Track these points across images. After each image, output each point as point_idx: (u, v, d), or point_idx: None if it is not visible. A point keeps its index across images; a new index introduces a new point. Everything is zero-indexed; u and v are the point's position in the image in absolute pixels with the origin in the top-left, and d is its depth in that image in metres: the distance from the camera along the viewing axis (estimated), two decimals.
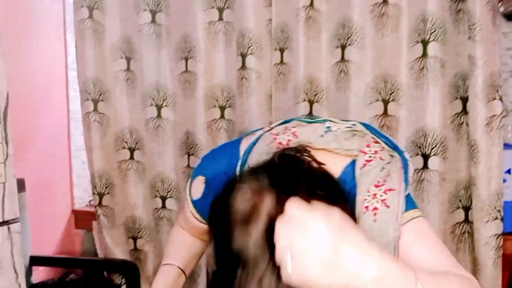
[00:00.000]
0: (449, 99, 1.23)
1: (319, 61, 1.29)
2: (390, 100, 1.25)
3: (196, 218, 0.82)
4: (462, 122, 1.24)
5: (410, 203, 0.67)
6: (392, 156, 0.68)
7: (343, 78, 1.28)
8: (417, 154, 1.26)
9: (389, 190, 0.63)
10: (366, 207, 0.62)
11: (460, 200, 1.26)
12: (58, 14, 1.58)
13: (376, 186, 0.63)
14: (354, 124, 0.74)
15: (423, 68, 1.22)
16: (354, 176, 0.65)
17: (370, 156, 0.67)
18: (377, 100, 1.27)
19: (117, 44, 1.44)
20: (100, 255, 1.57)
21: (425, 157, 1.25)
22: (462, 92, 1.23)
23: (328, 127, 0.71)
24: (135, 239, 1.50)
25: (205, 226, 0.65)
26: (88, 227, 1.60)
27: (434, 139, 1.23)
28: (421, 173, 1.26)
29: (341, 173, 0.66)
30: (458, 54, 1.20)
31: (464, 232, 1.26)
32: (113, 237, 1.49)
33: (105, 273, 1.60)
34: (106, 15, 1.42)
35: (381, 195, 0.63)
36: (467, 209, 1.25)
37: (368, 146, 0.69)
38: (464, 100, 1.22)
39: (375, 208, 0.62)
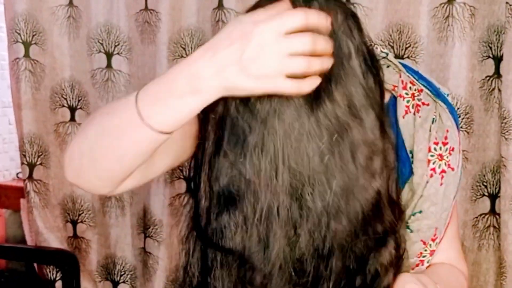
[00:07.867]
0: (478, 57, 1.12)
1: None
2: (405, 56, 1.15)
3: None
4: (494, 88, 1.13)
5: None
6: (434, 101, 0.67)
7: None
8: None
9: (452, 149, 0.64)
10: (433, 170, 0.62)
11: (486, 186, 1.17)
12: None
13: (436, 143, 0.64)
14: (387, 54, 0.69)
15: (448, 16, 1.11)
16: (396, 120, 0.65)
17: (408, 101, 0.65)
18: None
19: None
20: (29, 242, 1.46)
21: None
22: (495, 49, 1.12)
23: None
24: (74, 223, 1.39)
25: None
26: (15, 207, 1.51)
27: (458, 108, 1.13)
28: None
29: None
30: (492, 1, 1.09)
31: (489, 225, 1.17)
32: (47, 220, 1.38)
33: (35, 265, 1.51)
34: None
35: (447, 156, 0.63)
36: (494, 197, 1.16)
37: (404, 88, 0.66)
38: (498, 60, 1.11)
39: (443, 171, 0.63)
